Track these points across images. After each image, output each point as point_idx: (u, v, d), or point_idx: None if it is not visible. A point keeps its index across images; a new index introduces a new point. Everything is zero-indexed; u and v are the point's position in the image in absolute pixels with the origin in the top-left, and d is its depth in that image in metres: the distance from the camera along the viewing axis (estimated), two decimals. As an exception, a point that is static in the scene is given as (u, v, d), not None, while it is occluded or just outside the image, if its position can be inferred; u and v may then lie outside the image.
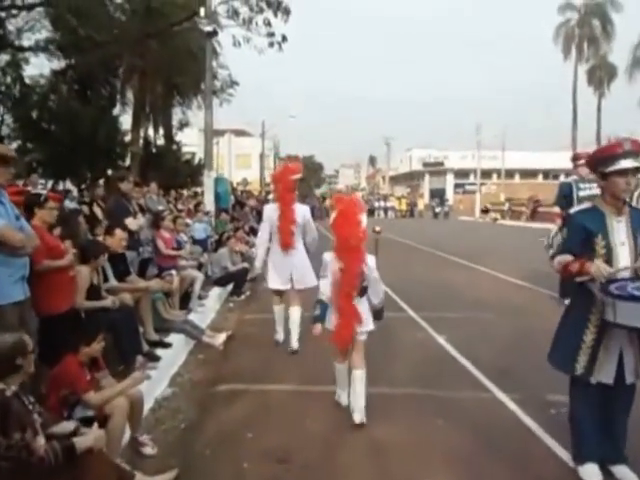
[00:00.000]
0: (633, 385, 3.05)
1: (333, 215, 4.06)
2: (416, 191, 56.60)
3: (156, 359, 4.93)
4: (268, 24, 14.17)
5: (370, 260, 3.97)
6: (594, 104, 37.74)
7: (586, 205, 3.18)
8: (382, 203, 40.82)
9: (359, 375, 4.05)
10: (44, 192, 4.84)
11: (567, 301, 7.54)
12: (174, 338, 5.63)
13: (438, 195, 49.06)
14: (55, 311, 3.85)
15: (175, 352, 5.45)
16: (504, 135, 45.40)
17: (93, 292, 4.49)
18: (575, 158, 7.99)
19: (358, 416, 3.91)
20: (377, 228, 6.03)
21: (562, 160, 46.97)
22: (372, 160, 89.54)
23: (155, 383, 4.66)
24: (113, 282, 5.04)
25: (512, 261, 12.74)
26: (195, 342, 5.95)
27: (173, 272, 6.51)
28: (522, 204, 35.32)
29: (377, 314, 4.20)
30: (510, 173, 52.14)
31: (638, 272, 2.91)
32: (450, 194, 54.69)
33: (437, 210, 40.01)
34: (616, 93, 38.93)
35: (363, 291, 3.99)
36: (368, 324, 4.12)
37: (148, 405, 4.18)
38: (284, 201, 5.93)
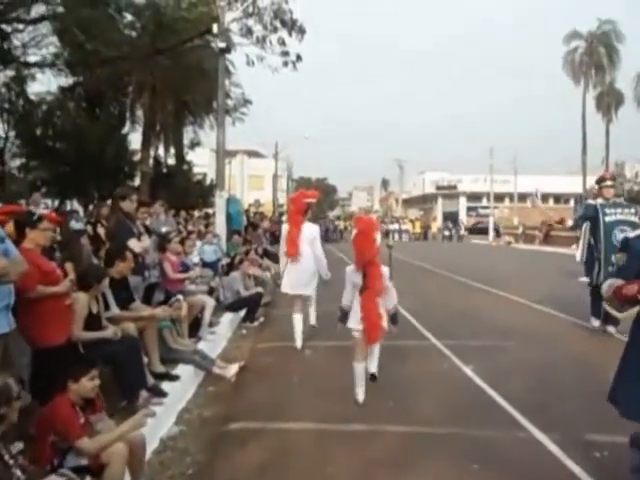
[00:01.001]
0: None
1: (354, 232, 4.93)
2: (429, 214, 56.33)
3: (162, 394, 4.55)
4: (282, 43, 14.03)
5: (384, 270, 4.78)
6: (603, 129, 37.54)
7: None
8: (396, 226, 40.35)
9: (376, 347, 5.20)
10: (38, 211, 4.52)
11: (596, 322, 7.30)
12: (182, 370, 5.26)
13: (451, 218, 48.73)
14: (49, 343, 3.50)
15: (183, 385, 5.07)
16: (516, 159, 45.16)
17: (92, 322, 4.15)
18: (600, 180, 7.65)
19: (373, 368, 5.23)
20: (390, 243, 6.02)
21: (572, 184, 46.92)
22: (385, 183, 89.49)
23: (160, 421, 4.28)
24: (115, 310, 4.70)
25: (530, 285, 12.27)
26: (205, 374, 5.57)
27: (180, 297, 6.15)
28: (536, 228, 34.91)
29: (392, 318, 4.98)
30: (522, 197, 51.74)
31: None
32: (463, 217, 54.30)
33: (450, 233, 39.66)
34: (624, 119, 38.80)
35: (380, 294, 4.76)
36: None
37: (152, 446, 3.80)
38: (293, 221, 6.95)
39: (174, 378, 5.02)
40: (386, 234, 41.08)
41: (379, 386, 5.18)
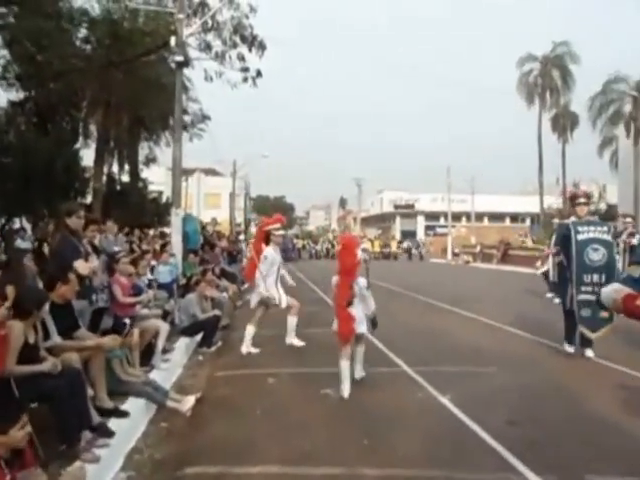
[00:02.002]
0: None
1: (338, 248, 6.15)
2: (387, 233, 56.67)
3: (108, 434, 4.00)
4: (242, 59, 13.68)
5: (361, 281, 5.54)
6: (559, 150, 38.64)
7: None
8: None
9: (361, 349, 5.82)
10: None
11: (570, 349, 7.10)
12: (132, 404, 4.71)
13: (409, 237, 49.16)
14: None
15: (133, 422, 4.51)
16: (473, 179, 46.05)
17: (29, 353, 3.59)
18: (574, 197, 7.50)
19: (357, 374, 5.73)
20: (366, 257, 6.10)
21: (528, 204, 48.25)
22: (343, 202, 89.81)
23: (105, 466, 3.74)
24: (56, 339, 4.15)
25: (498, 306, 12.13)
26: (157, 407, 5.01)
27: (127, 321, 5.60)
28: (493, 247, 35.44)
29: (372, 322, 5.72)
30: (479, 216, 52.75)
31: None
32: (421, 236, 54.92)
33: (410, 252, 39.89)
34: (579, 140, 40.13)
35: (349, 303, 5.38)
36: (361, 327, 5.54)
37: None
38: (255, 248, 7.95)
39: (123, 414, 4.47)
40: (327, 255, 41.20)
41: (351, 421, 4.74)
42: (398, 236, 53.63)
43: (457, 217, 51.11)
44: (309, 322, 9.92)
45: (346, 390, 5.35)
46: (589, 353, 6.95)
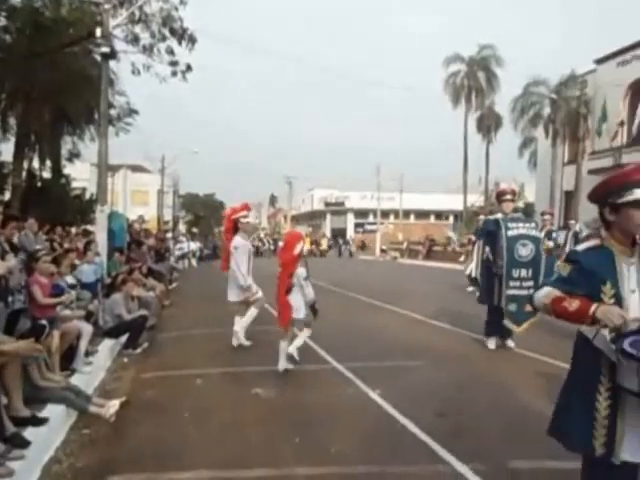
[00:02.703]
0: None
1: (281, 244, 6.26)
2: (318, 230, 57.02)
3: (23, 445, 3.75)
4: (171, 52, 13.28)
5: (299, 271, 6.08)
6: (483, 150, 40.15)
7: (593, 242, 2.53)
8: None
9: (303, 333, 6.36)
10: None
11: (492, 344, 7.38)
12: (51, 411, 4.44)
13: (340, 234, 49.75)
14: None
15: (51, 430, 4.25)
16: (401, 177, 47.17)
17: None
18: (500, 194, 7.78)
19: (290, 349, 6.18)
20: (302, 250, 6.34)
21: (452, 202, 49.99)
22: (273, 199, 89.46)
23: (21, 478, 3.49)
24: (-35, 344, 3.82)
25: (426, 301, 12.46)
26: (79, 414, 4.76)
27: (45, 323, 5.29)
28: (419, 243, 36.53)
29: (312, 309, 6.16)
30: (406, 213, 54.12)
31: None
32: (351, 233, 55.66)
33: (340, 249, 40.39)
34: (502, 140, 41.96)
35: (288, 291, 6.01)
36: (300, 313, 6.10)
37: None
38: (225, 238, 8.13)
39: (40, 422, 4.21)
40: (274, 252, 41.12)
41: (282, 420, 4.71)
42: (328, 233, 54.12)
43: (386, 214, 52.19)
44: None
45: (281, 366, 6.11)
46: (510, 344, 7.27)
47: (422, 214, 58.87)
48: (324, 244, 44.46)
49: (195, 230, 44.56)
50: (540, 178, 33.90)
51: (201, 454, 3.98)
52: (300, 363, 6.40)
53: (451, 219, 56.84)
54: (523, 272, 6.97)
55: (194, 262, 29.60)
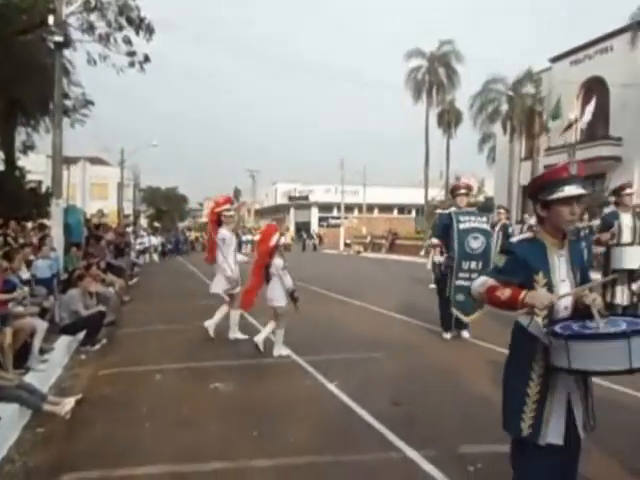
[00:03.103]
0: (579, 443, 2.60)
1: (258, 236, 7.16)
2: (282, 224, 56.84)
3: (-27, 445, 3.68)
4: (128, 42, 13.01)
5: (277, 261, 6.54)
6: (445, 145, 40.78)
7: (526, 235, 2.72)
8: (249, 237, 40.09)
9: (271, 324, 6.81)
10: None
11: (447, 335, 7.58)
12: (4, 410, 4.36)
13: (304, 228, 49.81)
14: None
15: (4, 429, 4.18)
16: (365, 171, 47.53)
17: None
18: (455, 189, 7.97)
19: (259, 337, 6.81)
20: (282, 242, 6.77)
21: (415, 196, 50.66)
22: (237, 193, 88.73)
23: (-30, 480, 3.44)
24: None
25: (387, 294, 12.64)
26: (33, 412, 4.69)
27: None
28: (382, 237, 36.92)
29: (292, 297, 6.62)
30: (370, 207, 54.57)
31: (579, 305, 2.51)
32: (315, 227, 55.78)
33: (304, 243, 40.50)
34: (463, 135, 42.65)
35: (267, 278, 6.58)
36: (280, 301, 6.58)
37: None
38: (210, 231, 8.24)
39: (-9, 422, 4.14)
40: (239, 246, 40.95)
41: (241, 413, 4.74)
42: (292, 227, 54.09)
43: (350, 208, 52.51)
44: (201, 316, 9.77)
45: (233, 333, 7.39)
46: (465, 334, 7.48)
47: (386, 208, 59.44)
48: (289, 238, 44.44)
49: (157, 224, 43.91)
50: (499, 173, 34.70)
51: (157, 449, 3.98)
52: (262, 356, 6.49)
53: (414, 213, 57.57)
54: (473, 264, 7.20)
55: (156, 257, 29.22)
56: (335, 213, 54.85)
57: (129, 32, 13.63)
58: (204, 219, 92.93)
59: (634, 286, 3.06)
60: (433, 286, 13.67)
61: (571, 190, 2.49)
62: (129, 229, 28.06)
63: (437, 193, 41.61)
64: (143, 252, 26.42)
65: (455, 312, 7.36)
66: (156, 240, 31.04)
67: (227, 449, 3.94)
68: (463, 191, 7.62)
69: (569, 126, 27.66)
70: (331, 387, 5.38)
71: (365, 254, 34.46)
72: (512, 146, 31.82)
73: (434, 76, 38.48)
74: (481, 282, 2.58)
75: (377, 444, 4.00)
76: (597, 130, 27.59)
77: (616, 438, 3.88)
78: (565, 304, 2.52)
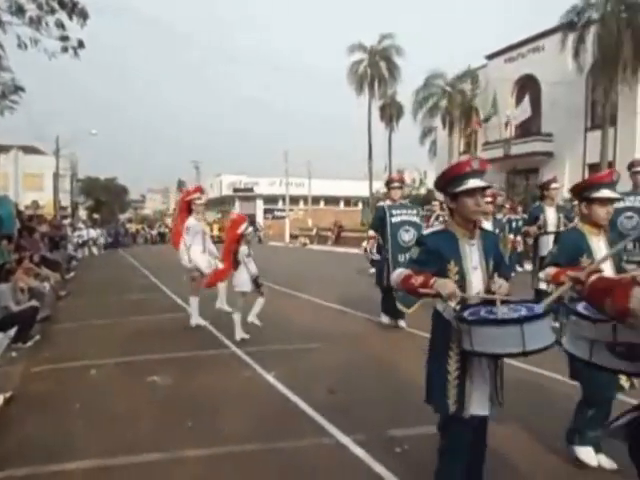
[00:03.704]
0: (486, 417, 2.82)
1: (228, 224, 7.76)
2: (227, 217, 56.30)
3: None
4: (61, 26, 12.47)
5: (242, 249, 6.97)
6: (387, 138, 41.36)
7: (438, 227, 3.00)
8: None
9: (260, 300, 7.19)
10: None
11: (385, 319, 7.81)
12: None
13: (249, 221, 49.41)
14: None
15: None
16: (310, 163, 47.66)
17: None
18: (389, 182, 8.18)
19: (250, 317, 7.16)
20: (248, 231, 7.20)
21: (359, 188, 51.29)
22: (181, 184, 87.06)
23: None
24: None
25: (329, 286, 12.79)
26: (-42, 412, 4.54)
27: None
28: (328, 229, 37.19)
29: (255, 283, 7.04)
30: (316, 200, 54.79)
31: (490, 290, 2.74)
32: (260, 219, 55.50)
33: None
34: (405, 129, 43.37)
35: (236, 265, 6.99)
36: (245, 286, 6.99)
37: None
38: (179, 218, 8.26)
39: None
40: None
41: (177, 406, 4.75)
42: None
43: (295, 200, 52.54)
44: (139, 309, 9.65)
45: (196, 320, 7.78)
46: (402, 324, 7.71)
47: (332, 200, 59.80)
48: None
49: (96, 216, 42.52)
50: (439, 166, 35.50)
51: (90, 444, 3.94)
52: (201, 348, 6.57)
53: (360, 205, 58.24)
54: (407, 256, 7.39)
55: (95, 250, 28.35)
56: (280, 205, 54.69)
57: (62, 16, 13.06)
58: (147, 210, 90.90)
59: (541, 274, 3.37)
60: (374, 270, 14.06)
61: (474, 183, 2.71)
62: (66, 221, 27.11)
63: (382, 186, 42.20)
64: (81, 245, 25.60)
65: (398, 305, 7.51)
66: (95, 233, 30.12)
67: (161, 441, 3.96)
68: (397, 184, 7.83)
69: (506, 124, 28.81)
70: (269, 377, 5.46)
71: (311, 246, 34.62)
72: (451, 140, 32.77)
73: (375, 70, 38.91)
74: (398, 272, 2.79)
75: (311, 431, 4.11)
76: (530, 126, 28.78)
77: (534, 417, 4.16)
78: (477, 289, 2.75)
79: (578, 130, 26.55)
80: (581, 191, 3.40)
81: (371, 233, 8.12)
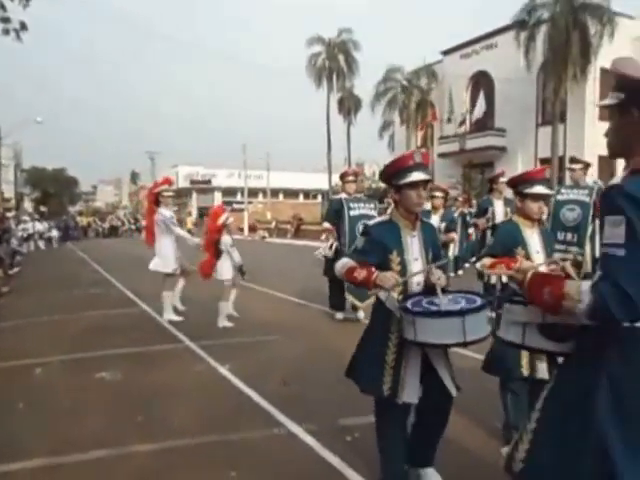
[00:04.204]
0: (450, 399, 2.91)
1: (209, 215, 7.85)
2: (183, 209, 55.41)
3: None
4: (1, 7, 11.94)
5: (225, 238, 7.25)
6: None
7: (383, 218, 3.05)
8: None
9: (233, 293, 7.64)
10: None
11: (340, 315, 7.83)
12: None
13: (207, 213, 48.79)
14: None
15: None
16: (268, 156, 47.39)
17: None
18: (343, 175, 8.19)
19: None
20: (229, 221, 7.38)
21: (319, 181, 51.35)
22: (134, 176, 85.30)
23: None
24: None
25: (287, 279, 12.82)
26: None
27: None
28: (287, 222, 37.13)
29: (240, 271, 7.47)
30: (275, 192, 54.59)
31: (428, 280, 2.83)
32: (218, 212, 54.84)
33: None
34: (363, 123, 43.62)
35: (218, 255, 7.21)
36: (226, 275, 7.30)
37: None
38: (147, 212, 8.36)
39: None
40: (138, 230, 39.62)
41: (128, 401, 4.65)
42: (195, 212, 52.88)
43: (254, 193, 52.20)
44: (88, 305, 9.40)
45: (167, 315, 7.72)
46: (360, 314, 7.67)
47: (291, 193, 59.69)
48: (189, 223, 43.41)
49: (44, 209, 41.04)
50: (397, 160, 36.02)
51: (35, 443, 3.81)
52: (154, 343, 6.49)
53: (319, 198, 58.33)
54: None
55: (42, 244, 27.45)
56: (239, 198, 54.23)
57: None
58: (98, 203, 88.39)
59: (478, 264, 3.52)
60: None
61: (417, 176, 2.80)
62: (10, 214, 26.09)
63: (340, 179, 42.33)
64: (27, 239, 24.72)
65: (349, 298, 7.50)
66: (42, 226, 29.14)
67: (110, 437, 3.87)
68: (351, 178, 7.85)
69: (462, 121, 29.41)
70: (222, 370, 5.41)
71: (270, 239, 34.47)
72: (409, 134, 33.17)
73: (334, 63, 39.01)
74: (342, 263, 2.84)
75: (263, 422, 4.10)
76: (485, 121, 29.43)
77: (478, 402, 4.27)
78: (418, 280, 2.85)
79: (530, 126, 27.38)
80: (516, 185, 3.51)
81: (327, 225, 8.05)
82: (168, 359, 5.95)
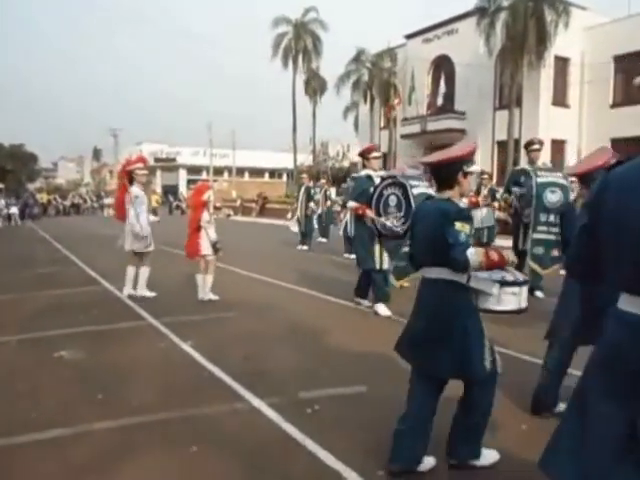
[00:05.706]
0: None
1: (192, 192, 8.04)
2: (147, 187, 54.36)
3: None
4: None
5: (204, 215, 7.38)
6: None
7: (456, 202, 3.16)
8: (111, 199, 37.87)
9: (209, 278, 7.63)
10: None
11: (382, 308, 7.74)
12: None
13: (171, 191, 48.15)
14: None
15: None
16: (234, 134, 46.78)
17: None
18: (366, 151, 7.52)
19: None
20: (211, 199, 7.51)
21: (285, 160, 51.09)
22: (97, 153, 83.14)
23: None
24: None
25: (252, 257, 12.78)
26: None
27: None
28: (253, 200, 36.87)
29: (214, 247, 7.48)
30: (240, 171, 54.08)
31: None
32: (183, 190, 54.13)
33: (172, 206, 39.39)
34: (334, 102, 43.39)
35: (198, 230, 7.37)
36: (207, 250, 7.46)
37: None
38: (119, 188, 8.13)
39: None
40: (101, 208, 38.85)
41: (88, 379, 4.59)
42: (159, 190, 51.99)
43: (219, 171, 51.59)
44: (48, 283, 9.21)
45: (201, 294, 7.67)
46: (368, 303, 7.27)
47: (256, 172, 59.22)
48: (154, 201, 42.64)
49: (1, 186, 39.61)
50: (362, 140, 35.98)
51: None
52: (116, 322, 6.41)
53: (284, 177, 58.06)
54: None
55: (-1, 222, 26.63)
56: (204, 176, 53.50)
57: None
58: (59, 180, 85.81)
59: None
60: (301, 247, 14.22)
61: (475, 168, 3.13)
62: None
63: (305, 158, 42.27)
64: (-16, 217, 23.93)
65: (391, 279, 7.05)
66: (0, 203, 28.23)
67: (69, 416, 3.82)
68: (376, 154, 7.08)
69: (425, 104, 29.66)
70: (185, 347, 5.40)
71: (235, 218, 34.17)
72: (372, 115, 33.28)
73: (300, 43, 38.60)
74: (472, 252, 2.80)
75: (225, 397, 4.12)
76: (445, 104, 29.81)
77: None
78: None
79: (488, 109, 28.15)
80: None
81: (353, 204, 6.99)
82: (130, 336, 5.90)
